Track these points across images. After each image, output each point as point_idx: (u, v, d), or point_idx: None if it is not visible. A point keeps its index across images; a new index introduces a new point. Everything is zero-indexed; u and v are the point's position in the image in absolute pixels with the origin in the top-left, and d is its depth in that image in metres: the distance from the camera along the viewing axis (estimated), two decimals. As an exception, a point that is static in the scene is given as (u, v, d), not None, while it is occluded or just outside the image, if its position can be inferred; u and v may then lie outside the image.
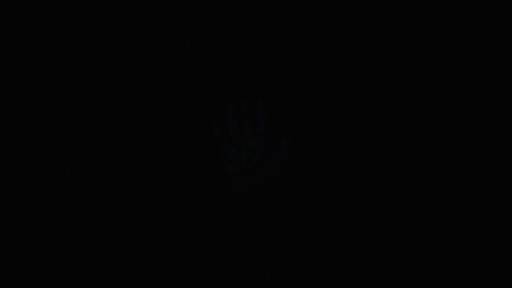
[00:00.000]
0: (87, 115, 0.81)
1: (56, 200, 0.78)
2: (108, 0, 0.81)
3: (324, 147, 0.82)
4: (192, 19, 0.83)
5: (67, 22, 0.81)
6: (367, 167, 0.80)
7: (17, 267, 0.74)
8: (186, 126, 0.85)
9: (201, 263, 0.73)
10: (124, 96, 0.82)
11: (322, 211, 0.80)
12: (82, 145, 0.80)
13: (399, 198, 0.78)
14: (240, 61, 0.85)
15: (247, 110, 0.83)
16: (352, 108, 0.82)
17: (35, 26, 0.81)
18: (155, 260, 0.76)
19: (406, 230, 0.76)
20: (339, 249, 0.75)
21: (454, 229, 0.75)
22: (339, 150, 0.81)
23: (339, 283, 0.73)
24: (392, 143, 0.80)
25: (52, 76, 0.81)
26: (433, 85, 0.80)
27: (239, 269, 0.71)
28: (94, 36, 0.81)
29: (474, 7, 0.79)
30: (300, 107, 0.84)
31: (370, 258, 0.74)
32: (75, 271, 0.74)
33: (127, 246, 0.77)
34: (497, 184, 0.76)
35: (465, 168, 0.77)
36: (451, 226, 0.75)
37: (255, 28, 0.84)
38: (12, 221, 0.76)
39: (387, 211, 0.77)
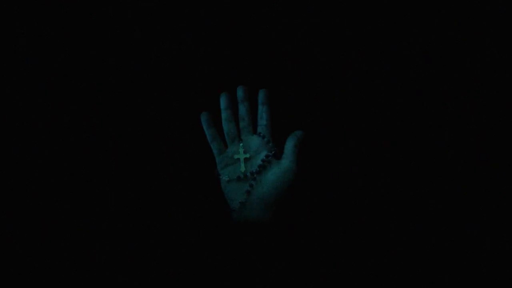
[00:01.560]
0: (83, 114, 0.81)
1: (55, 200, 0.79)
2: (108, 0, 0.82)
3: (329, 152, 0.80)
4: (191, 16, 0.83)
5: (67, 22, 0.82)
6: (371, 172, 0.79)
7: (17, 267, 0.75)
8: (170, 124, 0.82)
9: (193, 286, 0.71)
10: (121, 94, 0.82)
11: (335, 231, 0.77)
12: (79, 145, 0.81)
13: (404, 200, 0.78)
14: (238, 60, 0.83)
15: (246, 101, 0.76)
16: (353, 108, 0.81)
17: (35, 26, 0.82)
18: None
19: (412, 233, 0.76)
20: (349, 277, 0.74)
21: (454, 229, 0.76)
22: (344, 154, 0.80)
23: None
24: (393, 144, 0.79)
25: (52, 76, 0.82)
26: (433, 85, 0.80)
27: None
28: (94, 36, 0.82)
29: (474, 7, 0.79)
30: (301, 106, 0.82)
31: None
32: (74, 271, 0.75)
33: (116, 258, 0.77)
34: (497, 184, 0.76)
35: (465, 168, 0.77)
36: (451, 226, 0.76)
37: (254, 26, 0.83)
38: (12, 221, 0.77)
39: (395, 219, 0.77)
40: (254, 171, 0.74)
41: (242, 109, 0.76)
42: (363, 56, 0.81)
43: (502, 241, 0.74)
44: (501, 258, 0.73)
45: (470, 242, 0.75)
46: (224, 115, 0.76)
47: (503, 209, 0.75)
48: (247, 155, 0.75)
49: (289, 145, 0.75)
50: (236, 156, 0.75)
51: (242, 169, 0.74)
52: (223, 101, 0.76)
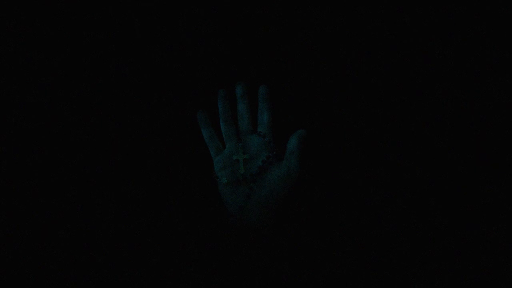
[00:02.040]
0: (80, 113, 0.83)
1: (51, 200, 0.80)
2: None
3: (333, 152, 0.80)
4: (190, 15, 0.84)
5: (66, 22, 0.84)
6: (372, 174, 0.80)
7: (17, 267, 0.77)
8: (164, 123, 0.83)
9: None
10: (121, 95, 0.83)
11: (339, 236, 0.77)
12: (74, 145, 0.82)
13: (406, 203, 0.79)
14: (237, 55, 0.83)
15: (245, 98, 0.74)
16: (358, 106, 0.81)
17: (35, 26, 0.83)
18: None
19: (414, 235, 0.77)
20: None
21: (455, 229, 0.77)
22: (347, 156, 0.80)
23: None
24: (399, 143, 0.80)
25: (51, 76, 0.83)
26: (436, 85, 0.81)
27: None
28: (93, 36, 0.84)
29: (475, 7, 0.81)
30: (304, 103, 0.82)
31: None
32: (70, 273, 0.77)
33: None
34: (497, 184, 0.78)
35: (465, 168, 0.78)
36: (452, 227, 0.77)
37: (254, 21, 0.83)
38: (12, 221, 0.79)
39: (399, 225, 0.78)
40: (254, 173, 0.72)
41: (241, 107, 0.74)
42: (368, 51, 0.81)
43: (502, 241, 0.75)
44: (501, 258, 0.74)
45: (470, 242, 0.75)
46: (221, 113, 0.74)
47: (503, 209, 0.76)
48: (247, 156, 0.73)
49: (292, 145, 0.72)
50: (234, 157, 0.73)
51: (242, 170, 0.72)
52: (220, 98, 0.74)
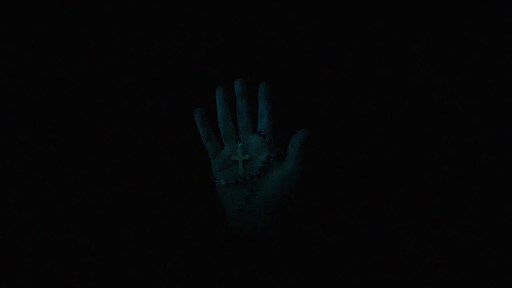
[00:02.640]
0: (76, 112, 0.83)
1: (46, 202, 0.81)
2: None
3: (337, 153, 0.80)
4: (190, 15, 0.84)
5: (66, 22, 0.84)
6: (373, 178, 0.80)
7: (17, 267, 0.78)
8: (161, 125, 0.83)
9: None
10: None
11: (344, 242, 0.76)
12: (68, 145, 0.83)
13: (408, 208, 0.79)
14: (236, 50, 0.83)
15: (245, 96, 0.74)
16: (364, 104, 0.81)
17: (35, 26, 0.84)
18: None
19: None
20: None
21: (455, 229, 0.77)
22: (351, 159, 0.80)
23: None
24: (395, 145, 0.80)
25: (48, 75, 0.83)
26: (434, 85, 0.81)
27: None
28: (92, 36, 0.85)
29: (475, 8, 0.82)
30: (306, 102, 0.81)
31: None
32: (70, 272, 0.77)
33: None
34: (497, 184, 0.78)
35: (466, 169, 0.79)
36: (452, 226, 0.78)
37: (255, 16, 0.83)
38: (11, 221, 0.80)
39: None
40: (254, 174, 0.70)
41: (241, 105, 0.73)
42: (369, 51, 0.81)
43: (502, 242, 0.75)
44: (500, 259, 0.74)
45: (471, 243, 0.76)
46: (220, 111, 0.73)
47: (503, 209, 0.76)
48: (246, 157, 0.71)
49: (293, 145, 0.71)
50: (233, 158, 0.72)
51: (241, 172, 0.71)
52: (219, 96, 0.72)
